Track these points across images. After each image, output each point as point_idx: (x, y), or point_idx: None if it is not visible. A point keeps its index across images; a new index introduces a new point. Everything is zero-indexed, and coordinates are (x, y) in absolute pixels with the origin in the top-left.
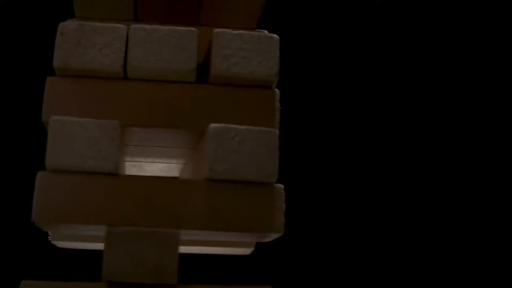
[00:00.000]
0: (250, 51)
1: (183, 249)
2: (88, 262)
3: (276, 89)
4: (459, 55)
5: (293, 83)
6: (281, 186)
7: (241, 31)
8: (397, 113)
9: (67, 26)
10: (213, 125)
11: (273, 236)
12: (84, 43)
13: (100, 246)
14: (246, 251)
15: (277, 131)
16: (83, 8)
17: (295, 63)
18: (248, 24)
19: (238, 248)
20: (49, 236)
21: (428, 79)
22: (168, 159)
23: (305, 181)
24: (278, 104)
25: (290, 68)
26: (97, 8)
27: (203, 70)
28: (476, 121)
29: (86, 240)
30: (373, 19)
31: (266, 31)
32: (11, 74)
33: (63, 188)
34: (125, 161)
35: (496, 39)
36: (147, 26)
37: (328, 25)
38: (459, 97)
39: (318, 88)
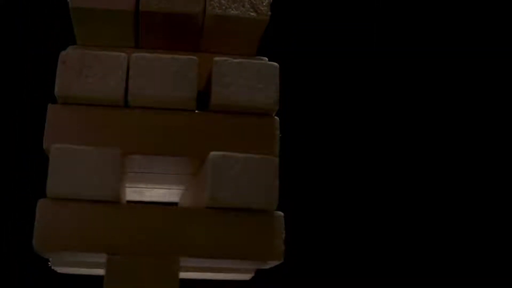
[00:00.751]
0: (250, 79)
1: (183, 274)
2: (89, 287)
3: (276, 117)
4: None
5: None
6: (281, 213)
7: (241, 59)
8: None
9: (69, 55)
10: (213, 153)
11: (273, 263)
12: (85, 71)
13: (101, 271)
14: (246, 276)
15: (277, 159)
16: (84, 35)
17: (295, 90)
18: (248, 50)
19: (238, 274)
20: (49, 262)
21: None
22: (168, 185)
23: (305, 208)
24: (278, 132)
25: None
26: (99, 35)
27: (203, 96)
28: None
29: (87, 266)
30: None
31: (266, 58)
32: (12, 101)
33: (64, 216)
34: (126, 187)
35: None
36: (147, 55)
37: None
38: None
39: (318, 114)
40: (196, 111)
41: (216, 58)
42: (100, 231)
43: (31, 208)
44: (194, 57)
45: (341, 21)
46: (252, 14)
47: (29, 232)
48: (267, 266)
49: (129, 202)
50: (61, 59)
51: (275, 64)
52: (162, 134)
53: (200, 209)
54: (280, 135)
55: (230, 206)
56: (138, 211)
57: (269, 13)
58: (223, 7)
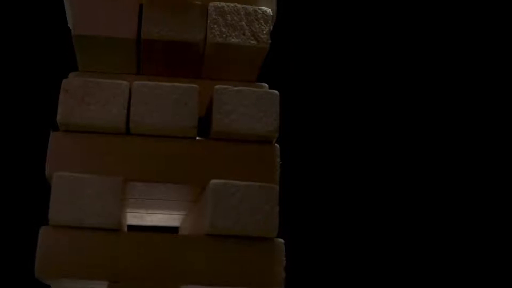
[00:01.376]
0: (250, 107)
1: None
2: None
3: (276, 144)
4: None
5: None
6: (281, 240)
7: (241, 87)
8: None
9: (71, 82)
10: (213, 181)
11: None
12: (87, 99)
13: None
14: None
15: (277, 187)
16: (86, 62)
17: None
18: (249, 77)
19: None
20: None
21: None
22: (169, 211)
23: (305, 236)
24: (278, 159)
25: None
26: (100, 61)
27: (204, 122)
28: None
29: None
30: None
31: (267, 85)
32: (15, 127)
33: (66, 243)
34: (127, 212)
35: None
36: (149, 83)
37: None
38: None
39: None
40: (197, 138)
41: (217, 86)
42: (101, 259)
43: (33, 235)
44: (195, 86)
45: (339, 47)
46: (252, 42)
47: (31, 259)
48: None
49: (130, 227)
50: (63, 87)
51: (275, 92)
52: (163, 162)
53: (200, 236)
54: (281, 162)
55: (230, 234)
56: (139, 239)
57: (269, 41)
58: (224, 35)
